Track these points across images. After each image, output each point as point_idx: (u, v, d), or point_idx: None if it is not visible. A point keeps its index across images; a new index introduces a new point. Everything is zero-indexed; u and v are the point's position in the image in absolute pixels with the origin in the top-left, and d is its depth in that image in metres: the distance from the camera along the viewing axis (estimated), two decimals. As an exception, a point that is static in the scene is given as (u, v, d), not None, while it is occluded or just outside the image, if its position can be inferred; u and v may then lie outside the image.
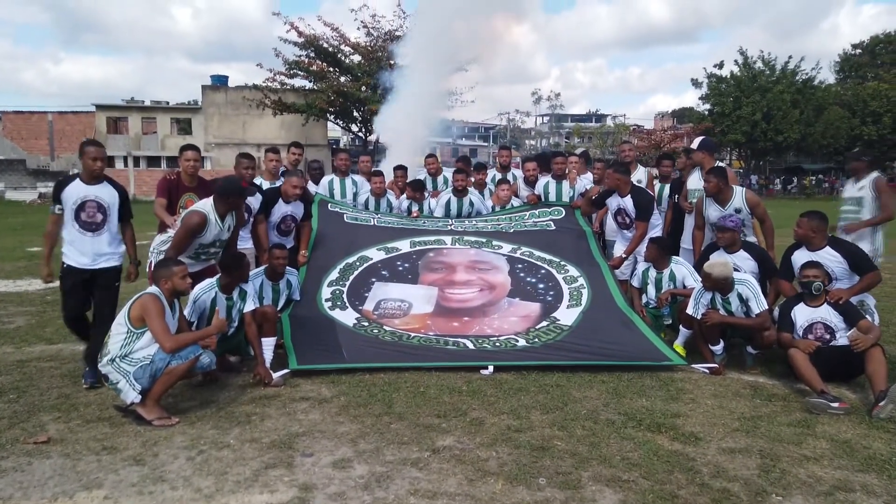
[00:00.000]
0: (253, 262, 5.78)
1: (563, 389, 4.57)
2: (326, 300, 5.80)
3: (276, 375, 4.70)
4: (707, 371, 5.03)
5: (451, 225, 6.96)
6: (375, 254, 6.47)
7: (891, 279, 8.72)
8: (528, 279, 6.26)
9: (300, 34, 28.94)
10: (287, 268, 5.60)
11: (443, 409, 4.16)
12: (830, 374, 4.51)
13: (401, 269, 6.34)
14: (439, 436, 3.75)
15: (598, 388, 4.60)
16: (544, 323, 5.64)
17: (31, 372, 4.95)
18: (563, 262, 6.45)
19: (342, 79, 29.76)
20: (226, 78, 40.33)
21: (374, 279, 6.17)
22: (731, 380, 4.90)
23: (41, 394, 4.46)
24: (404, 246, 6.62)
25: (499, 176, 7.86)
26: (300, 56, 29.64)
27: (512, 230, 6.89)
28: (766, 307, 4.99)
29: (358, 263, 6.34)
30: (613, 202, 6.39)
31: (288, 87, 31.00)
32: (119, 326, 4.04)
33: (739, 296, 4.99)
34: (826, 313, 4.74)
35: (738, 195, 5.74)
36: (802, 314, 4.80)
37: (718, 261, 5.12)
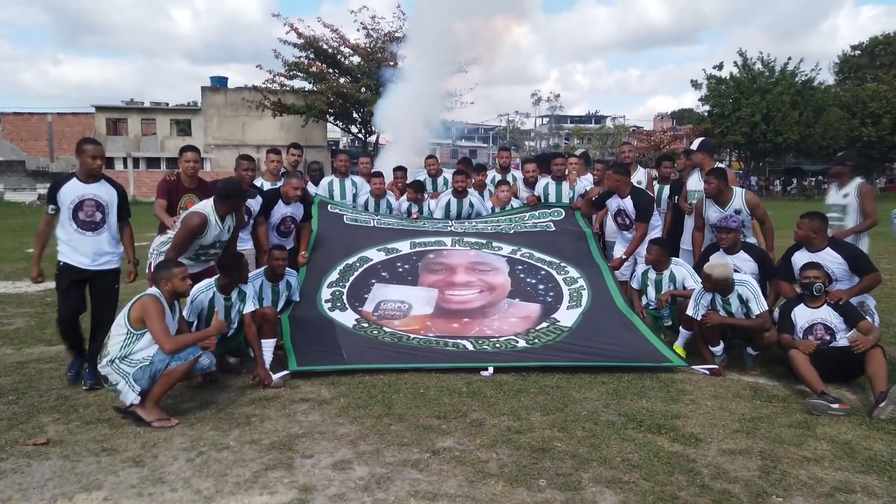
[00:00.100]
0: (253, 264, 5.78)
1: (563, 391, 4.57)
2: (326, 301, 5.80)
3: (275, 377, 4.70)
4: (707, 372, 5.02)
5: (451, 226, 6.95)
6: (375, 255, 6.47)
7: (890, 280, 8.73)
8: (529, 280, 6.26)
9: (300, 35, 28.96)
10: (287, 269, 5.59)
11: (443, 410, 4.16)
12: (830, 375, 4.50)
13: (401, 270, 6.34)
14: (439, 437, 3.75)
15: (598, 390, 4.60)
16: (544, 324, 5.63)
17: (31, 373, 4.94)
18: (563, 264, 6.45)
19: (342, 80, 29.77)
20: (225, 79, 40.36)
21: (373, 280, 6.16)
22: (732, 381, 4.90)
23: (40, 395, 4.46)
24: (404, 247, 6.61)
25: (498, 177, 7.86)
26: (300, 57, 29.66)
27: (512, 231, 6.89)
28: (767, 308, 4.99)
29: (358, 264, 6.33)
30: (613, 203, 6.39)
31: (287, 88, 31.01)
32: (119, 327, 4.04)
33: (739, 297, 4.98)
34: (826, 314, 4.73)
35: (738, 196, 5.74)
36: (803, 315, 4.79)
37: (718, 262, 5.12)
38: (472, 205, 7.26)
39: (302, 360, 4.93)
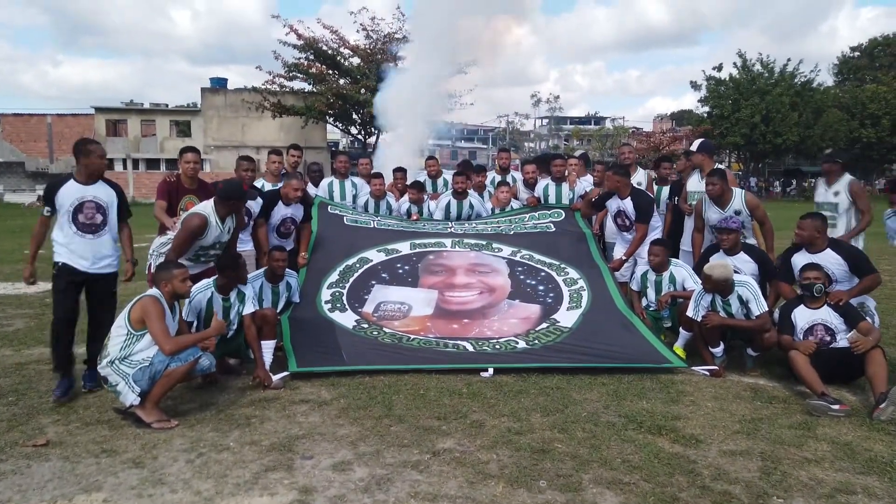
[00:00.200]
0: (253, 265, 5.78)
1: (563, 392, 4.57)
2: (326, 302, 5.80)
3: (275, 378, 4.69)
4: (707, 373, 5.02)
5: (450, 227, 6.95)
6: (375, 255, 6.47)
7: (890, 281, 8.73)
8: (528, 281, 6.25)
9: (299, 37, 28.97)
10: (287, 270, 5.59)
11: (443, 411, 4.15)
12: (830, 376, 4.50)
13: (400, 271, 6.34)
14: (439, 438, 3.75)
15: (598, 391, 4.60)
16: (544, 325, 5.63)
17: (30, 374, 4.94)
18: (562, 265, 6.45)
19: (341, 81, 29.79)
20: (225, 80, 40.33)
21: (373, 281, 6.16)
22: (732, 382, 4.89)
23: (40, 396, 4.45)
24: (404, 248, 6.61)
25: (498, 178, 7.86)
26: (299, 58, 29.67)
27: (512, 232, 6.89)
28: (767, 309, 4.99)
29: (358, 265, 6.33)
30: (613, 204, 6.39)
31: (287, 89, 31.03)
32: (119, 328, 4.04)
33: (739, 297, 4.98)
34: (826, 315, 4.73)
35: (738, 197, 5.74)
36: (803, 316, 4.79)
37: (719, 262, 5.12)
38: (471, 206, 7.26)
39: (302, 362, 4.93)
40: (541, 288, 6.16)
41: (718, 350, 5.12)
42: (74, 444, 3.67)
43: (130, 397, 3.89)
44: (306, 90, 31.32)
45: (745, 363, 5.20)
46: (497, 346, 5.30)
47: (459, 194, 7.21)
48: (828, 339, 4.68)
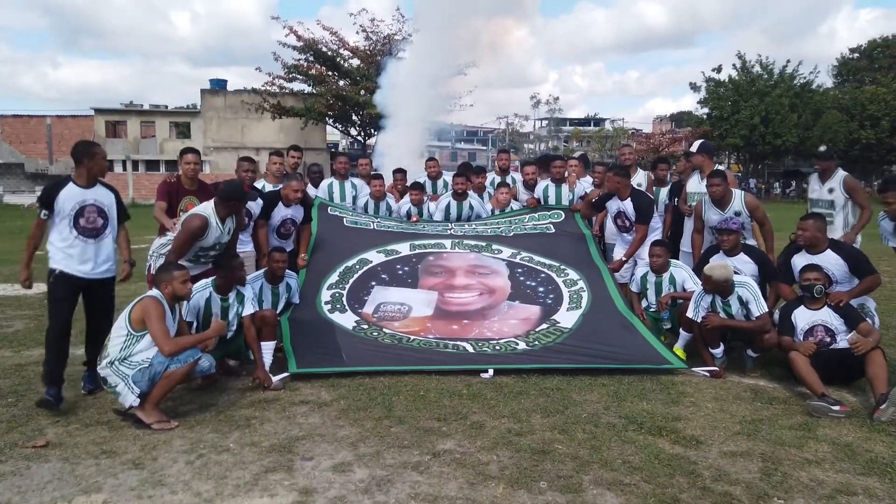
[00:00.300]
0: (253, 266, 5.78)
1: (563, 393, 4.56)
2: (326, 303, 5.79)
3: (275, 379, 4.69)
4: (707, 374, 5.02)
5: (450, 229, 6.95)
6: (375, 257, 6.47)
7: (890, 282, 8.73)
8: (528, 282, 6.25)
9: (299, 38, 28.98)
10: (287, 271, 5.59)
11: (443, 412, 4.15)
12: (830, 377, 4.50)
13: (400, 272, 6.33)
14: (440, 439, 3.74)
15: (598, 392, 4.60)
16: (544, 325, 5.63)
17: (30, 376, 4.93)
18: (562, 266, 6.44)
19: (341, 83, 29.80)
20: (225, 82, 40.34)
21: (373, 283, 6.16)
22: (732, 383, 4.89)
23: (39, 398, 4.44)
24: (404, 249, 6.61)
25: (498, 179, 7.86)
26: (299, 60, 29.70)
27: (511, 234, 6.89)
28: (767, 309, 4.98)
29: (357, 267, 6.33)
30: (613, 205, 6.39)
31: (287, 90, 31.03)
32: (119, 329, 4.03)
33: (739, 298, 4.98)
34: (827, 316, 4.73)
35: (738, 198, 5.75)
36: (803, 317, 4.79)
37: (719, 263, 5.12)
38: (471, 207, 7.26)
39: (302, 363, 4.92)
40: (541, 289, 6.16)
41: (718, 351, 5.12)
42: (74, 445, 3.67)
43: (130, 398, 3.89)
44: (306, 91, 31.34)
45: (746, 364, 5.20)
46: (497, 347, 5.30)
47: (459, 195, 7.21)
48: (828, 340, 4.68)
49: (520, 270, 6.41)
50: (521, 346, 5.32)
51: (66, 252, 4.34)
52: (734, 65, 42.54)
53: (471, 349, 5.28)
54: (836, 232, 5.62)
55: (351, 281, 6.14)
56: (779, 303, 5.42)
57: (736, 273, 5.12)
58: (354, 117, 31.17)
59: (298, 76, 30.08)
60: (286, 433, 3.83)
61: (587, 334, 5.44)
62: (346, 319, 5.61)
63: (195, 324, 4.72)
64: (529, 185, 7.46)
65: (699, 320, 5.08)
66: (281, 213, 5.97)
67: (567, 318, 5.71)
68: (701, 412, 4.24)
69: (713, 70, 43.17)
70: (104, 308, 4.60)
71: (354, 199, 7.48)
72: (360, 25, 29.10)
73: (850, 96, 43.01)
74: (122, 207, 4.69)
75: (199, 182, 5.54)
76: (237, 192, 4.83)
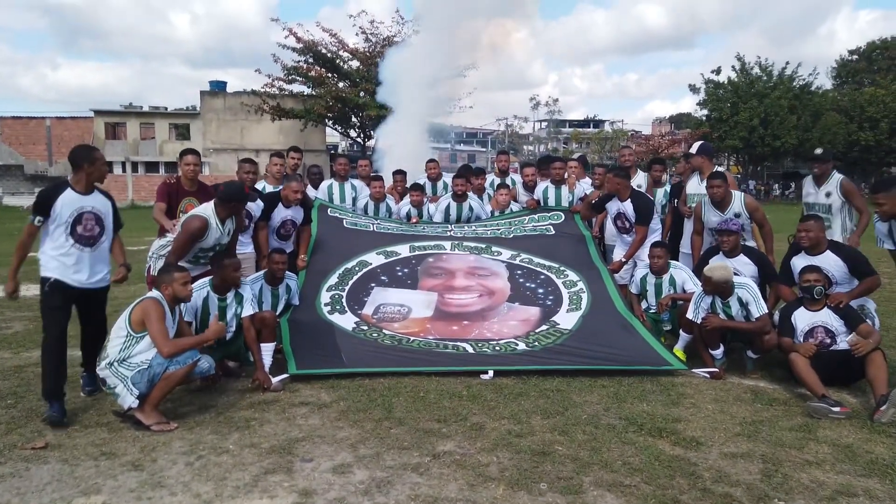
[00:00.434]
0: (253, 267, 5.78)
1: (563, 394, 4.56)
2: (325, 305, 5.79)
3: (275, 380, 4.68)
4: (707, 376, 5.02)
5: (450, 230, 6.95)
6: (375, 258, 6.46)
7: (890, 284, 8.73)
8: (528, 284, 6.25)
9: (299, 40, 29.01)
10: (286, 272, 5.58)
11: (443, 413, 4.15)
12: (830, 379, 4.49)
13: (400, 274, 6.33)
14: (439, 441, 3.74)
15: (598, 393, 4.59)
16: (544, 327, 5.63)
17: (29, 377, 4.92)
18: (562, 267, 6.44)
19: (340, 84, 29.83)
20: (224, 83, 40.34)
21: (373, 284, 6.16)
22: (732, 384, 4.89)
23: (39, 399, 4.41)
24: (403, 250, 6.61)
25: (498, 181, 7.86)
26: (298, 62, 29.73)
27: (511, 235, 6.89)
28: (766, 310, 4.98)
29: (357, 268, 6.33)
30: (613, 206, 6.39)
31: (286, 92, 31.06)
32: (119, 330, 4.03)
33: (739, 299, 4.98)
34: (826, 317, 4.73)
35: (737, 200, 5.75)
36: (803, 318, 4.79)
37: (719, 264, 5.12)
38: (471, 209, 7.26)
39: (301, 364, 4.92)
40: (540, 291, 6.16)
41: (718, 352, 5.12)
42: (73, 446, 3.66)
43: (129, 400, 3.88)
44: (305, 93, 31.35)
45: (746, 365, 5.20)
46: (497, 348, 5.30)
47: (459, 197, 7.22)
48: (828, 341, 4.68)
49: (519, 272, 6.41)
50: (521, 346, 5.32)
51: (60, 260, 4.16)
52: (733, 66, 42.59)
53: (471, 350, 5.27)
54: (835, 236, 5.62)
55: (350, 282, 6.13)
56: (779, 304, 5.42)
57: (736, 274, 5.12)
58: (354, 119, 31.21)
59: (298, 78, 30.10)
60: (286, 434, 3.82)
61: (587, 335, 5.44)
62: (346, 321, 5.61)
63: (192, 324, 4.70)
64: (529, 187, 7.47)
65: (699, 321, 5.07)
66: (281, 214, 5.97)
67: (567, 319, 5.71)
68: (701, 413, 4.24)
69: (712, 72, 43.22)
70: (97, 317, 4.50)
71: (354, 200, 7.48)
72: (360, 27, 29.20)
73: (849, 98, 43.06)
74: (117, 216, 4.49)
75: (198, 183, 5.54)
76: (237, 193, 4.83)
